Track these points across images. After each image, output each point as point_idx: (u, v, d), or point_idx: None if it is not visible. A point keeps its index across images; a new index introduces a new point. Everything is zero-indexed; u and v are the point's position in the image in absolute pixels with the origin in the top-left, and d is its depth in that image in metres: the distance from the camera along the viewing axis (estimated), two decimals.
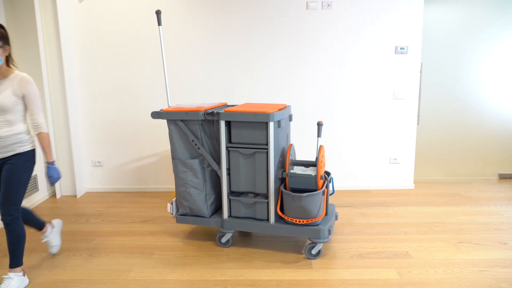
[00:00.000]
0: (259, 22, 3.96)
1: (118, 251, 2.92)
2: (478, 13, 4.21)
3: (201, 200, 2.92)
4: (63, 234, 3.24)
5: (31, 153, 2.43)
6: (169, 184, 4.31)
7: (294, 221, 2.73)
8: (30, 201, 3.82)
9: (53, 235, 2.83)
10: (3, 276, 2.52)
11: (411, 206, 3.75)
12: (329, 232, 2.76)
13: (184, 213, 3.02)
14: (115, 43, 4.03)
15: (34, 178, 3.89)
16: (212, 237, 3.13)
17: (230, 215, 2.95)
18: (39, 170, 3.97)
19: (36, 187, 3.91)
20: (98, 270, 2.66)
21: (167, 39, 4.00)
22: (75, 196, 4.18)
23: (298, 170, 2.89)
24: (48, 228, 2.80)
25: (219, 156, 2.97)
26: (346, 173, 4.24)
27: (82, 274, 2.61)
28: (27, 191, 3.76)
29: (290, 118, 3.06)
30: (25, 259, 2.82)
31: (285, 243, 3.00)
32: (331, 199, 3.95)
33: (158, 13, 3.20)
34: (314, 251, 2.74)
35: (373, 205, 3.79)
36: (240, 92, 4.09)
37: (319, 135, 2.83)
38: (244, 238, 3.10)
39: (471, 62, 4.31)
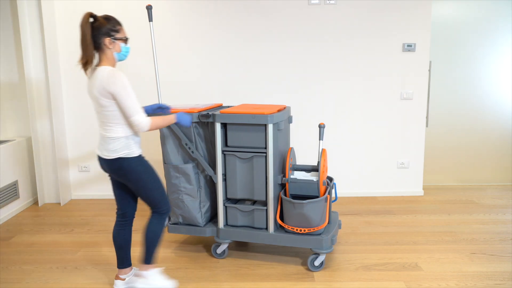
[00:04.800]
0: (257, 17, 3.96)
1: (105, 264, 2.90)
2: (492, 8, 4.21)
3: (195, 208, 2.90)
4: (45, 244, 3.21)
5: None
6: None
7: (294, 230, 2.71)
8: (10, 209, 3.79)
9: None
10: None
11: (420, 214, 3.74)
12: (332, 241, 2.74)
13: (177, 222, 3.00)
14: None
15: (15, 184, 3.86)
16: (206, 247, 3.11)
17: (226, 224, 2.93)
18: (20, 175, 3.95)
19: (16, 194, 3.89)
20: (83, 284, 2.63)
21: (159, 36, 3.99)
22: (59, 203, 4.15)
23: (299, 175, 2.88)
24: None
25: (214, 160, 2.95)
26: (350, 178, 4.22)
27: None
28: (6, 198, 3.74)
29: (289, 119, 3.05)
30: (3, 273, 2.78)
31: (285, 254, 2.98)
32: (334, 206, 3.94)
33: (149, 8, 3.19)
34: (316, 263, 2.73)
35: (379, 212, 3.78)
36: (236, 92, 4.08)
37: (320, 138, 2.82)
38: (241, 249, 3.08)
39: (484, 61, 4.31)
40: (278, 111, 2.78)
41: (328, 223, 2.82)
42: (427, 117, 4.22)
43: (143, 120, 2.22)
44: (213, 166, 2.93)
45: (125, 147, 2.27)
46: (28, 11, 3.82)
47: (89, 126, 4.16)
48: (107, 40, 2.21)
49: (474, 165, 4.53)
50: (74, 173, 4.26)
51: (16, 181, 3.89)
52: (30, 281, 2.67)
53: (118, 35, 2.25)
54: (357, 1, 3.92)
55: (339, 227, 3.01)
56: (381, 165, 4.20)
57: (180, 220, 2.98)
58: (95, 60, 2.24)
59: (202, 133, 2.91)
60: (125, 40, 2.30)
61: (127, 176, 2.31)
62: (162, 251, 3.05)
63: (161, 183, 2.41)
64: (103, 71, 2.18)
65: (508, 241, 3.13)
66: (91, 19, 2.21)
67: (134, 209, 2.52)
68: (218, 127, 2.75)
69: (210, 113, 2.77)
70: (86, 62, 2.19)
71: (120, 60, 2.31)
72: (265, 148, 2.73)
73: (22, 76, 4.07)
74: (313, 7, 3.93)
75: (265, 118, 2.65)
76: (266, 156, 2.73)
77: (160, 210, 2.43)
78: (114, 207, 4.02)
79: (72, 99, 4.12)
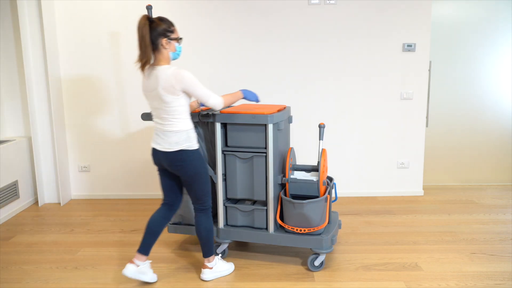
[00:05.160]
0: (257, 18, 3.96)
1: (105, 263, 2.89)
2: (492, 8, 4.21)
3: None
4: (45, 244, 3.21)
5: None
6: (161, 191, 4.29)
7: (294, 230, 2.71)
8: (10, 209, 3.79)
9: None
10: None
11: (420, 214, 3.74)
12: (332, 241, 2.74)
13: (176, 221, 2.99)
14: (104, 40, 4.01)
15: (15, 184, 3.86)
16: None
17: (226, 224, 2.93)
18: (20, 175, 3.94)
19: (16, 194, 3.88)
20: (83, 284, 2.63)
21: None
22: (59, 203, 4.15)
23: (299, 175, 2.88)
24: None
25: (214, 160, 2.95)
26: (350, 178, 4.22)
27: None
28: (6, 198, 3.73)
29: (289, 119, 3.05)
30: (3, 273, 2.78)
31: (285, 254, 2.98)
32: (334, 206, 3.93)
33: (149, 8, 3.19)
34: (317, 263, 2.72)
35: (379, 212, 3.78)
36: None
37: (320, 137, 2.81)
38: (241, 249, 3.07)
39: (485, 61, 4.31)
40: (278, 111, 2.78)
41: (328, 223, 2.82)
42: (427, 117, 4.22)
43: (217, 101, 2.43)
44: (213, 166, 2.92)
45: (187, 139, 2.42)
46: (28, 11, 3.82)
47: (89, 126, 4.16)
48: (164, 41, 2.35)
49: (474, 165, 4.53)
50: (74, 173, 4.26)
51: (16, 181, 3.89)
52: (30, 281, 2.67)
53: (173, 36, 2.39)
54: (357, 1, 3.92)
55: (339, 227, 3.01)
56: (381, 165, 4.20)
57: (180, 220, 2.98)
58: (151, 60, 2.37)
59: (202, 133, 2.91)
60: (179, 40, 2.43)
61: (185, 168, 2.43)
62: (162, 251, 3.05)
63: (209, 179, 2.56)
64: (167, 71, 2.33)
65: (508, 241, 3.13)
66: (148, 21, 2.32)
67: (180, 202, 2.65)
68: (218, 127, 2.75)
69: (210, 113, 2.76)
70: (145, 62, 2.32)
71: (174, 59, 2.44)
72: (265, 148, 2.73)
73: (22, 76, 4.06)
74: (313, 7, 3.93)
75: (265, 118, 2.65)
76: (266, 156, 2.73)
77: (205, 204, 2.56)
78: (114, 207, 4.02)
79: (72, 99, 4.12)
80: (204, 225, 2.57)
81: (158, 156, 2.46)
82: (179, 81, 2.31)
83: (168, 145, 2.40)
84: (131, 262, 2.57)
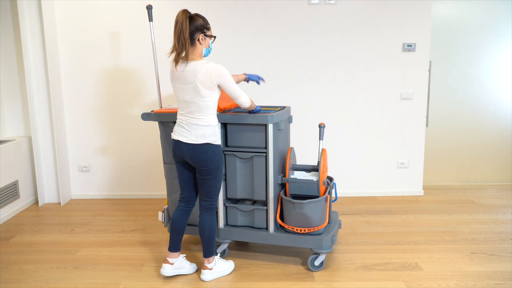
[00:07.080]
0: (257, 18, 3.96)
1: (105, 263, 2.90)
2: (492, 8, 4.21)
3: (195, 208, 2.90)
4: (45, 244, 3.21)
5: None
6: (161, 191, 4.29)
7: (294, 230, 2.71)
8: (10, 209, 3.79)
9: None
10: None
11: (420, 214, 3.74)
12: (332, 241, 2.74)
13: None
14: (104, 40, 4.01)
15: (15, 184, 3.86)
16: None
17: (226, 224, 2.93)
18: (20, 175, 3.94)
19: (16, 194, 3.88)
20: (83, 284, 2.63)
21: (159, 36, 3.98)
22: (59, 203, 4.15)
23: (299, 175, 2.88)
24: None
25: None
26: (350, 178, 4.22)
27: None
28: (6, 198, 3.73)
29: (290, 119, 3.05)
30: (3, 273, 2.78)
31: (285, 254, 2.98)
32: (334, 206, 3.93)
33: (149, 8, 3.20)
34: (317, 263, 2.73)
35: (379, 212, 3.78)
36: None
37: (321, 137, 2.82)
38: (241, 249, 3.07)
39: (485, 61, 4.31)
40: (278, 110, 2.78)
41: (328, 223, 2.82)
42: (427, 117, 4.22)
43: (246, 101, 2.55)
44: None
45: (213, 134, 2.49)
46: (28, 11, 3.82)
47: (89, 126, 4.16)
48: (200, 36, 2.42)
49: (474, 165, 4.53)
50: (74, 173, 4.26)
51: (16, 181, 3.89)
52: (30, 281, 2.67)
53: (208, 33, 2.49)
54: (357, 1, 3.92)
55: (339, 227, 3.01)
56: (381, 165, 4.20)
57: None
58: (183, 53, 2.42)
59: None
60: (213, 38, 2.52)
61: (206, 161, 2.48)
62: (163, 251, 3.05)
63: (223, 180, 2.65)
64: (206, 65, 2.39)
65: (508, 241, 3.13)
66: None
67: (196, 197, 2.71)
68: None
69: None
70: (182, 55, 2.39)
71: (205, 55, 2.51)
72: (265, 148, 2.73)
73: (22, 76, 4.06)
74: (313, 7, 3.93)
75: (265, 118, 2.65)
76: (266, 156, 2.73)
77: (212, 203, 2.61)
78: (114, 207, 4.02)
79: (72, 99, 4.12)
80: (209, 224, 2.60)
81: (181, 148, 2.50)
82: (217, 75, 2.39)
83: (195, 138, 2.46)
84: (166, 261, 2.65)
